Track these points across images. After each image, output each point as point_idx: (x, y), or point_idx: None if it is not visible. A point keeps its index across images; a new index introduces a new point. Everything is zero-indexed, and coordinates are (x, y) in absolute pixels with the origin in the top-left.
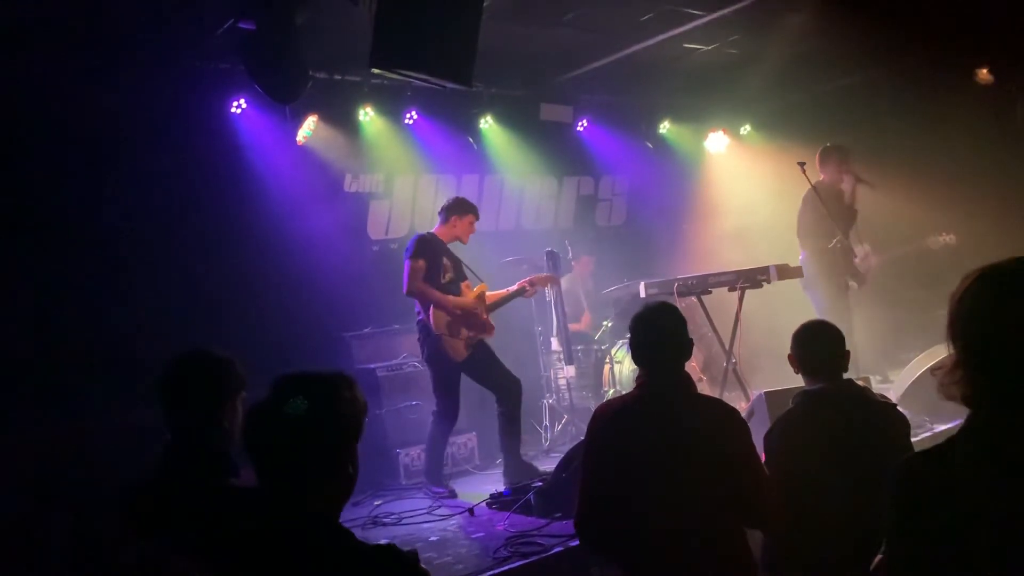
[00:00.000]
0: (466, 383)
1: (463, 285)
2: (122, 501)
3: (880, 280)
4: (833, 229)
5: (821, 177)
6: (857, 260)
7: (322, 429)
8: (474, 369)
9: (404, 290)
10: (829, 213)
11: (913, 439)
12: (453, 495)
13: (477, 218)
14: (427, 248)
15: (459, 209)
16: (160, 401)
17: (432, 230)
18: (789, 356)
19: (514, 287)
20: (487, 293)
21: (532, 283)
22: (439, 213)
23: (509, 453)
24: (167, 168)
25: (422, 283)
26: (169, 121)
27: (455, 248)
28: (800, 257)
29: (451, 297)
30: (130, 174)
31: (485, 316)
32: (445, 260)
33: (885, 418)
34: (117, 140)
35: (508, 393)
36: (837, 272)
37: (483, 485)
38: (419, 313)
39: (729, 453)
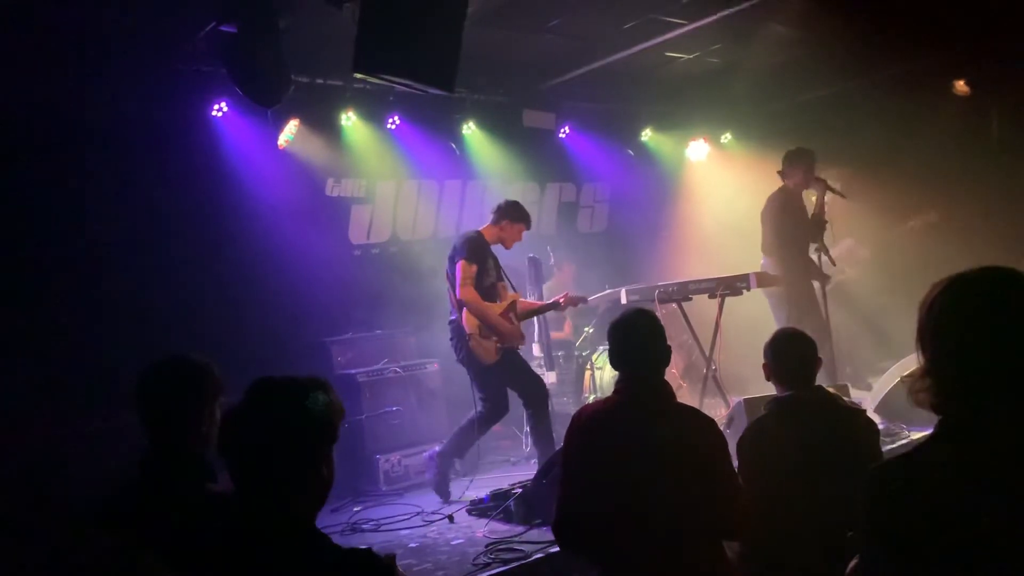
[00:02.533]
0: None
1: (500, 286)
2: (100, 505)
3: (864, 287)
4: (800, 237)
5: (785, 183)
6: (835, 252)
7: (296, 434)
8: (504, 372)
9: (458, 293)
10: (795, 220)
11: (889, 446)
12: (446, 493)
13: (529, 227)
14: (478, 251)
15: (514, 215)
16: (138, 406)
17: (479, 229)
18: (764, 365)
19: (550, 300)
20: (520, 301)
21: (567, 299)
22: (492, 212)
23: (543, 454)
24: (146, 171)
25: (473, 289)
26: (149, 124)
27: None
28: (761, 263)
29: (491, 307)
30: (109, 177)
31: (518, 325)
32: (490, 262)
33: (854, 424)
34: (96, 143)
35: (535, 398)
36: (799, 277)
37: (464, 492)
38: (451, 313)
39: (704, 462)
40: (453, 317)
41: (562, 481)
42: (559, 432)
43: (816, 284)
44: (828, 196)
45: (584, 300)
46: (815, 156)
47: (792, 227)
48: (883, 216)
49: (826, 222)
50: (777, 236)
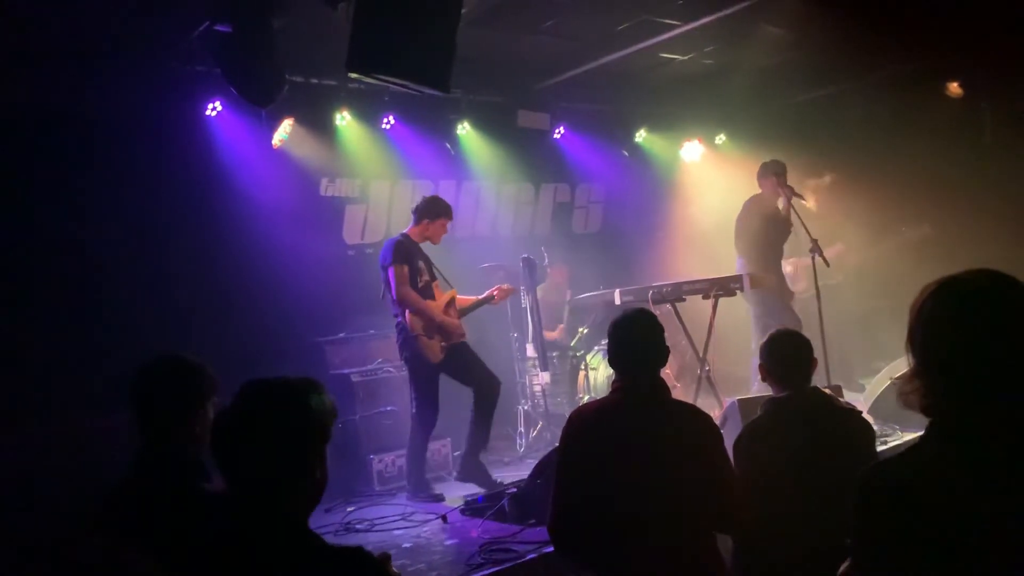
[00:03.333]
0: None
1: (434, 285)
2: (93, 505)
3: (856, 289)
4: (773, 243)
5: (760, 190)
6: (787, 270)
7: (288, 435)
8: (452, 368)
9: (393, 296)
10: (768, 226)
11: (882, 447)
12: (440, 498)
13: (450, 219)
14: (406, 253)
15: (431, 212)
16: (132, 406)
17: (405, 231)
18: (760, 365)
19: (483, 295)
20: (458, 298)
21: (499, 292)
22: (412, 213)
23: (469, 451)
24: (141, 170)
25: (408, 288)
26: (143, 123)
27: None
28: (737, 264)
29: (432, 305)
30: (103, 176)
31: (458, 320)
32: (420, 263)
33: (849, 425)
34: (90, 142)
35: (484, 392)
36: (777, 282)
37: (458, 491)
38: (396, 315)
39: (702, 459)
40: (398, 320)
41: (557, 481)
42: (555, 432)
43: (790, 293)
44: (792, 203)
45: (512, 289)
46: (784, 166)
47: (764, 233)
48: (875, 217)
49: (791, 227)
50: (753, 241)
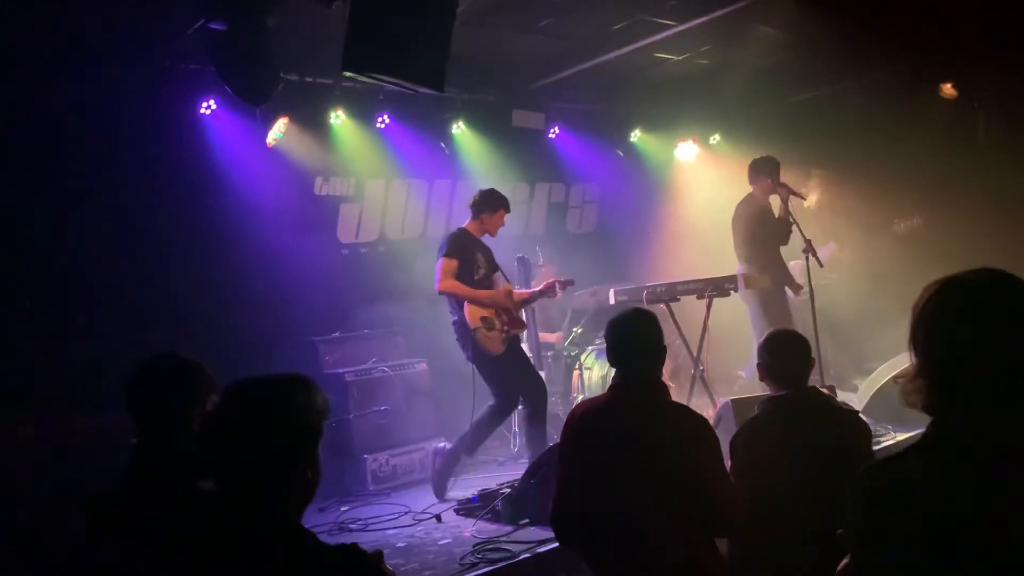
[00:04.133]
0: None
1: (494, 278)
2: (89, 504)
3: (849, 290)
4: (772, 243)
5: (752, 190)
6: (792, 264)
7: (272, 434)
8: (512, 364)
9: (436, 288)
10: (764, 226)
11: (876, 447)
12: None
13: (508, 211)
14: (460, 245)
15: (489, 205)
16: (128, 404)
17: (463, 225)
18: (758, 365)
19: (540, 286)
20: (514, 292)
21: (558, 284)
22: (469, 208)
23: (534, 450)
24: (134, 169)
25: (453, 280)
26: (137, 121)
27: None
28: (737, 269)
29: (482, 291)
30: (96, 174)
31: (517, 310)
32: (479, 256)
33: (847, 425)
34: (83, 140)
35: (534, 396)
36: (775, 282)
37: (451, 491)
38: (453, 314)
39: (697, 460)
40: (455, 317)
41: (558, 476)
42: (549, 433)
43: (798, 286)
44: (789, 200)
45: (571, 282)
46: (778, 163)
47: (762, 233)
48: (870, 217)
49: (791, 223)
50: (748, 242)
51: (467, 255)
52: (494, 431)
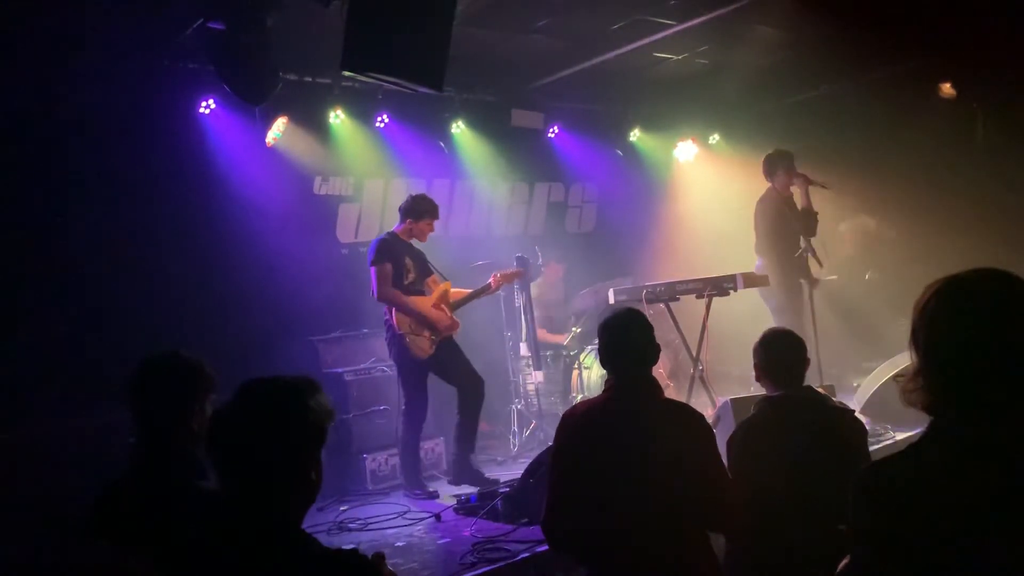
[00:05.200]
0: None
1: (429, 280)
2: (90, 502)
3: (848, 290)
4: (793, 236)
5: (770, 186)
6: (848, 231)
7: (285, 435)
8: (439, 367)
9: (375, 296)
10: (786, 220)
11: (874, 447)
12: (435, 495)
13: (435, 218)
14: (389, 251)
15: (414, 211)
16: (128, 403)
17: (392, 230)
18: (755, 365)
19: (481, 286)
20: (451, 290)
21: (496, 278)
22: (398, 211)
23: (459, 453)
24: (133, 168)
25: (391, 288)
26: (136, 120)
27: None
28: (756, 264)
29: (416, 300)
30: (95, 174)
31: (449, 314)
32: (407, 260)
33: (842, 424)
34: (82, 139)
35: (468, 391)
36: (794, 277)
37: (451, 490)
38: (385, 314)
39: (694, 458)
40: (387, 319)
41: (551, 480)
42: (548, 432)
43: (804, 284)
44: (810, 189)
45: (519, 273)
46: (793, 155)
47: (783, 227)
48: (868, 217)
49: (816, 213)
50: (769, 237)
51: (396, 260)
52: (419, 442)
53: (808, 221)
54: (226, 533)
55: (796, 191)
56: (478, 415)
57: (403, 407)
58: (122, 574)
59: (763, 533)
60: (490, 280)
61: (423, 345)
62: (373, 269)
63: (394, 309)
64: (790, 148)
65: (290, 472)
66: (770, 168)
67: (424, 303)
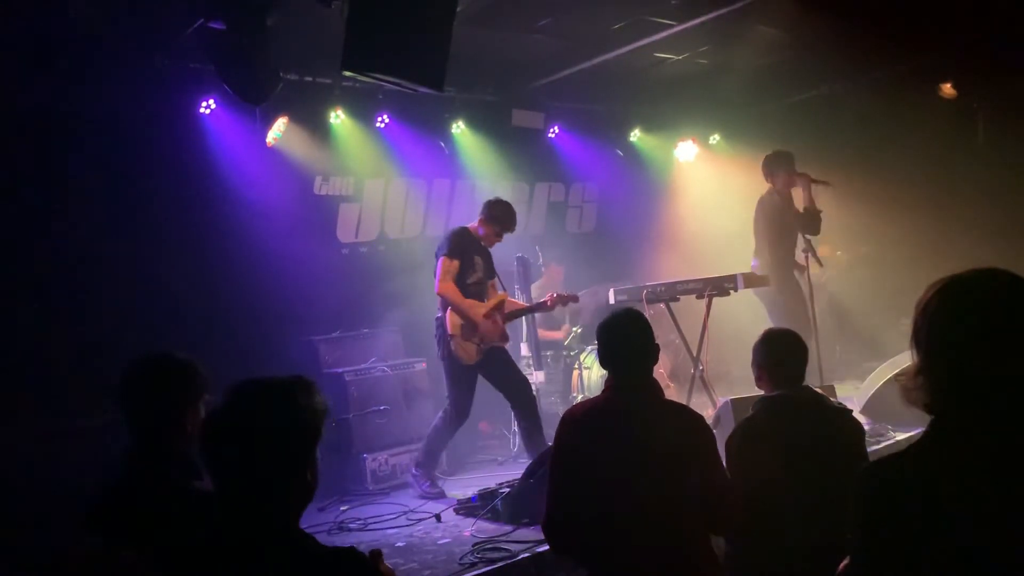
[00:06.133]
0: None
1: (490, 284)
2: (84, 504)
3: (849, 290)
4: (792, 237)
5: (769, 187)
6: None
7: (279, 435)
8: (486, 374)
9: (436, 288)
10: (786, 221)
11: (875, 447)
12: (442, 495)
13: (508, 230)
14: (461, 246)
15: (493, 219)
16: (122, 404)
17: (468, 226)
18: (752, 365)
19: (538, 301)
20: (508, 300)
21: (553, 300)
22: (481, 210)
23: (535, 453)
24: (133, 168)
25: (453, 285)
26: (136, 120)
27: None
28: (752, 264)
29: (473, 305)
30: (95, 173)
31: (502, 325)
32: (477, 259)
33: (840, 424)
34: (82, 139)
35: (519, 399)
36: (792, 279)
37: (451, 491)
38: (438, 310)
39: (693, 459)
40: (439, 315)
41: (550, 481)
42: (549, 432)
43: (802, 284)
44: (814, 188)
45: (575, 298)
46: (792, 155)
47: (783, 229)
48: (868, 218)
49: (819, 211)
50: (768, 238)
51: (466, 256)
52: (448, 440)
53: (811, 220)
54: (222, 534)
55: (797, 192)
56: (535, 418)
57: (447, 405)
58: (119, 574)
59: (762, 533)
60: (546, 299)
61: (470, 351)
62: (440, 259)
63: (448, 307)
64: (790, 148)
65: (285, 472)
66: (770, 169)
67: (479, 310)
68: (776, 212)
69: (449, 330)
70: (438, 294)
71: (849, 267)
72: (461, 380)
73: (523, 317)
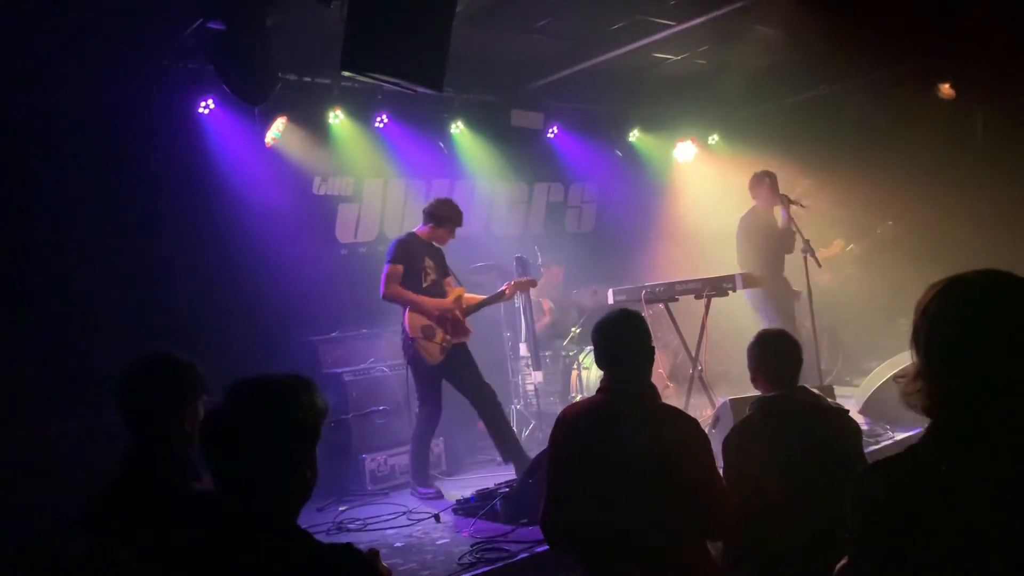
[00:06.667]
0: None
1: (446, 282)
2: (83, 505)
3: (849, 290)
4: (773, 252)
5: (754, 203)
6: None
7: (275, 434)
8: (450, 374)
9: (380, 293)
10: (767, 236)
11: (874, 447)
12: (439, 495)
13: (458, 225)
14: (406, 251)
15: (436, 218)
16: (120, 404)
17: (414, 230)
18: (749, 366)
19: (496, 292)
20: (465, 295)
21: (511, 286)
22: (423, 212)
23: (508, 456)
24: (132, 168)
25: (397, 287)
26: (135, 120)
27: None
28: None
29: (426, 298)
30: (93, 174)
31: (462, 318)
32: (428, 261)
33: (836, 425)
34: (81, 139)
35: (482, 401)
36: (779, 292)
37: (449, 491)
38: (402, 316)
39: (688, 462)
40: (403, 320)
41: (548, 480)
42: (547, 432)
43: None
44: (792, 210)
45: (533, 283)
46: (775, 176)
47: (766, 245)
48: (868, 219)
49: (794, 233)
50: (752, 252)
51: (414, 261)
52: (430, 441)
53: (787, 239)
54: (221, 533)
55: (778, 211)
56: (502, 419)
57: (417, 408)
58: (118, 574)
59: (759, 534)
60: (504, 288)
61: (433, 351)
62: (386, 267)
63: (407, 312)
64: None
65: (283, 471)
66: (755, 187)
67: (436, 301)
68: (758, 229)
69: (410, 333)
70: (383, 298)
71: (860, 261)
72: (426, 378)
73: (523, 318)
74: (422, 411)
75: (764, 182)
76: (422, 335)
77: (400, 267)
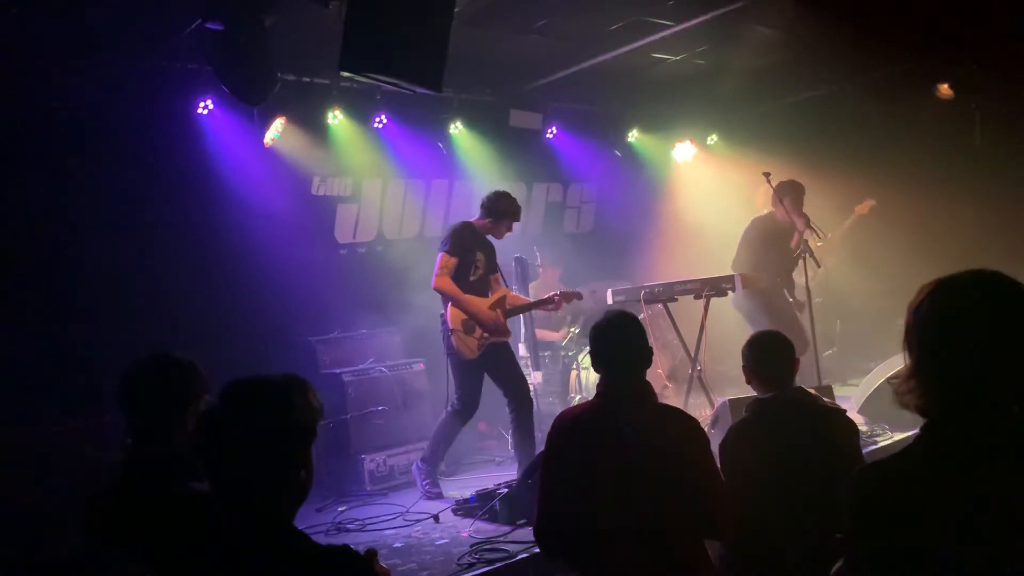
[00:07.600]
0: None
1: (493, 279)
2: (83, 505)
3: (846, 289)
4: (776, 263)
5: (771, 209)
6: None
7: (270, 434)
8: (488, 369)
9: (432, 283)
10: (775, 247)
11: (872, 447)
12: (440, 496)
13: (516, 220)
14: (462, 242)
15: (495, 212)
16: (122, 405)
17: (471, 220)
18: (743, 367)
19: (543, 296)
20: (509, 295)
21: (562, 295)
22: (481, 205)
23: (523, 455)
24: (130, 169)
25: (448, 280)
26: (133, 121)
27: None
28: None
29: (472, 299)
30: (92, 174)
31: (503, 320)
32: (479, 254)
33: (833, 425)
34: (80, 139)
35: (516, 397)
36: (774, 296)
37: (449, 491)
38: (442, 306)
39: (686, 463)
40: (442, 311)
41: (542, 484)
42: (544, 433)
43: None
44: (807, 233)
45: (578, 295)
46: (803, 190)
47: (765, 253)
48: (865, 218)
49: (798, 258)
50: (753, 259)
51: (467, 253)
52: (456, 435)
53: (791, 262)
54: (218, 534)
55: (795, 228)
56: (530, 420)
57: (454, 401)
58: (118, 574)
59: (756, 535)
60: (552, 295)
61: (471, 345)
62: (440, 255)
63: (449, 303)
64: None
65: (278, 471)
66: (780, 194)
67: (480, 304)
68: (768, 236)
69: (450, 325)
70: (434, 288)
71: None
72: (466, 374)
73: (521, 318)
74: (458, 406)
75: (790, 191)
76: (462, 328)
77: (455, 259)
